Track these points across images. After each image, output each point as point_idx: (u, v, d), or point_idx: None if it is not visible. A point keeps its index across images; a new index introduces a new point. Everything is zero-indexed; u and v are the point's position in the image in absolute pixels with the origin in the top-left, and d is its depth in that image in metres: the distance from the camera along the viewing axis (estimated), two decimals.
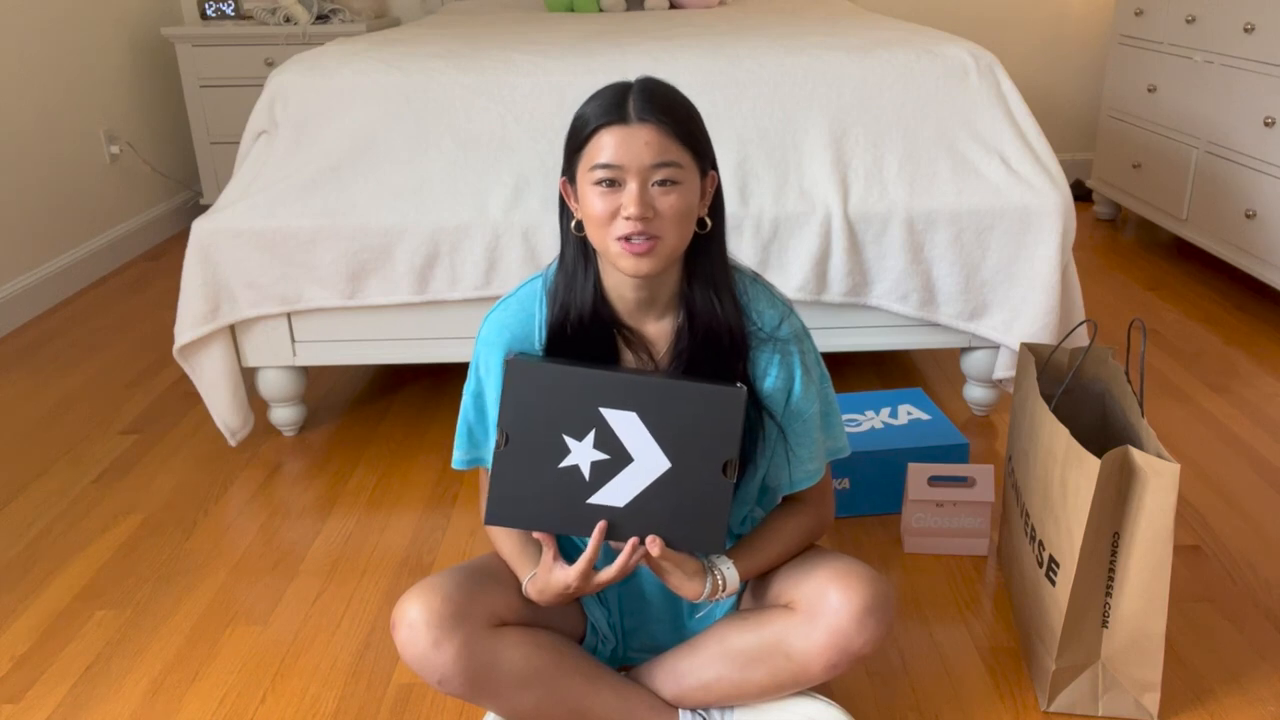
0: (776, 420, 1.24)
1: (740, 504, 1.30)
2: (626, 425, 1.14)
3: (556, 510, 1.15)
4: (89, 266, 3.32)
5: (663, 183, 1.11)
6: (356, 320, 2.08)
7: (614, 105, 1.12)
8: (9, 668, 1.54)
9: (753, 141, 2.04)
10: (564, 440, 1.14)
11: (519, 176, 2.02)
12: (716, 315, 1.20)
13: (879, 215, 2.00)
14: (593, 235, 1.15)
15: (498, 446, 1.14)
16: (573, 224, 1.19)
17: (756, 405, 1.23)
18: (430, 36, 2.59)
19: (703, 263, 1.20)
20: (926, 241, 2.00)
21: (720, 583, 1.20)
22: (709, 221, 1.19)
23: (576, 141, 1.14)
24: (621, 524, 1.14)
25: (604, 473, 1.14)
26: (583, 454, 1.14)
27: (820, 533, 1.33)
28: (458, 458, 1.30)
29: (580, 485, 1.14)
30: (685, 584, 1.19)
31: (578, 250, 1.20)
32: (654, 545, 1.15)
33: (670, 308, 1.22)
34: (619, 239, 1.12)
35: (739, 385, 1.14)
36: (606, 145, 1.11)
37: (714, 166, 1.19)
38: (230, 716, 1.43)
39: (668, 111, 1.12)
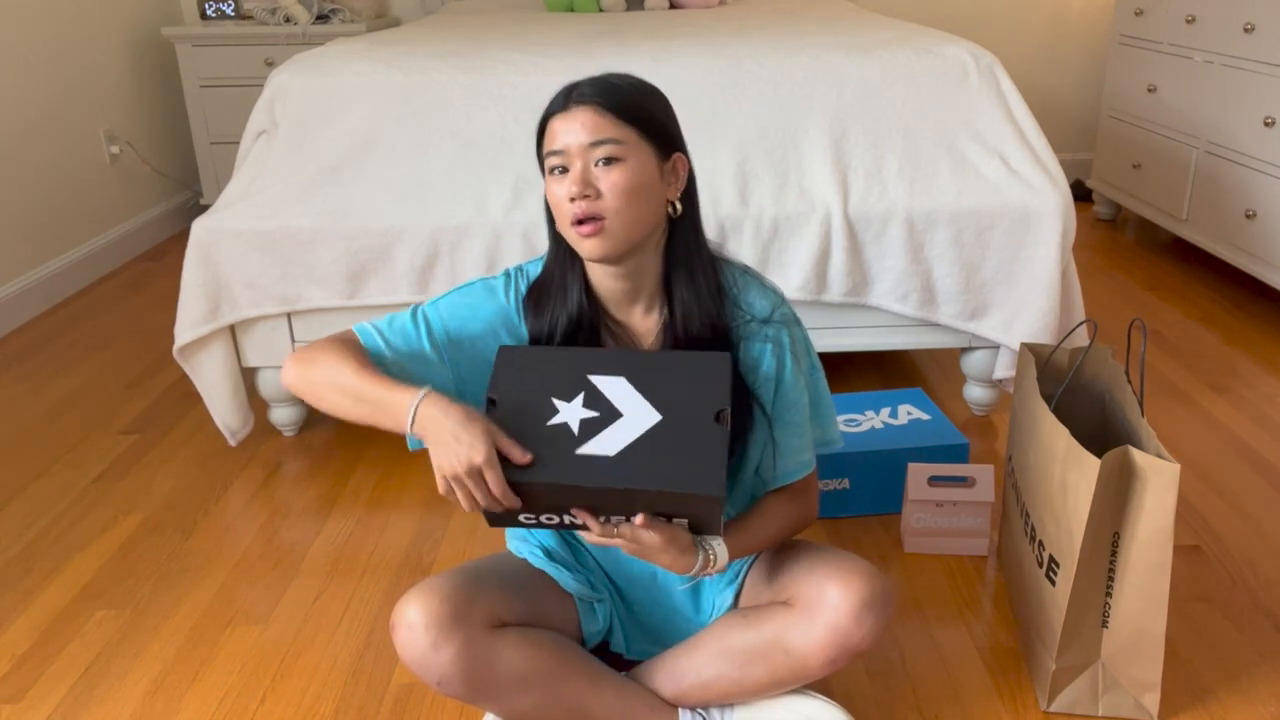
0: (766, 411, 1.24)
1: (737, 496, 1.30)
2: (615, 387, 1.13)
3: (545, 462, 1.09)
4: (89, 266, 3.32)
5: (607, 161, 1.14)
6: (356, 320, 2.08)
7: (561, 97, 1.17)
8: (9, 668, 1.54)
9: (753, 141, 2.04)
10: (552, 402, 1.12)
11: (519, 176, 2.01)
12: (698, 304, 1.20)
13: (879, 215, 2.00)
14: (559, 227, 1.19)
15: (485, 411, 1.12)
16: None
17: (747, 394, 1.23)
18: (430, 36, 2.59)
19: (679, 250, 1.21)
20: (926, 241, 2.00)
21: (711, 557, 1.18)
22: (679, 206, 1.20)
23: (537, 140, 1.20)
24: (614, 473, 1.08)
25: (593, 428, 1.11)
26: (571, 413, 1.12)
27: (804, 525, 1.33)
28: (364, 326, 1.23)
29: (569, 439, 1.10)
30: (678, 560, 1.15)
31: (563, 245, 1.23)
32: (641, 520, 1.11)
33: (655, 300, 1.23)
34: (572, 224, 1.15)
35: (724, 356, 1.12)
36: (553, 133, 1.16)
37: (679, 150, 1.21)
38: (230, 716, 1.43)
39: (607, 92, 1.15)
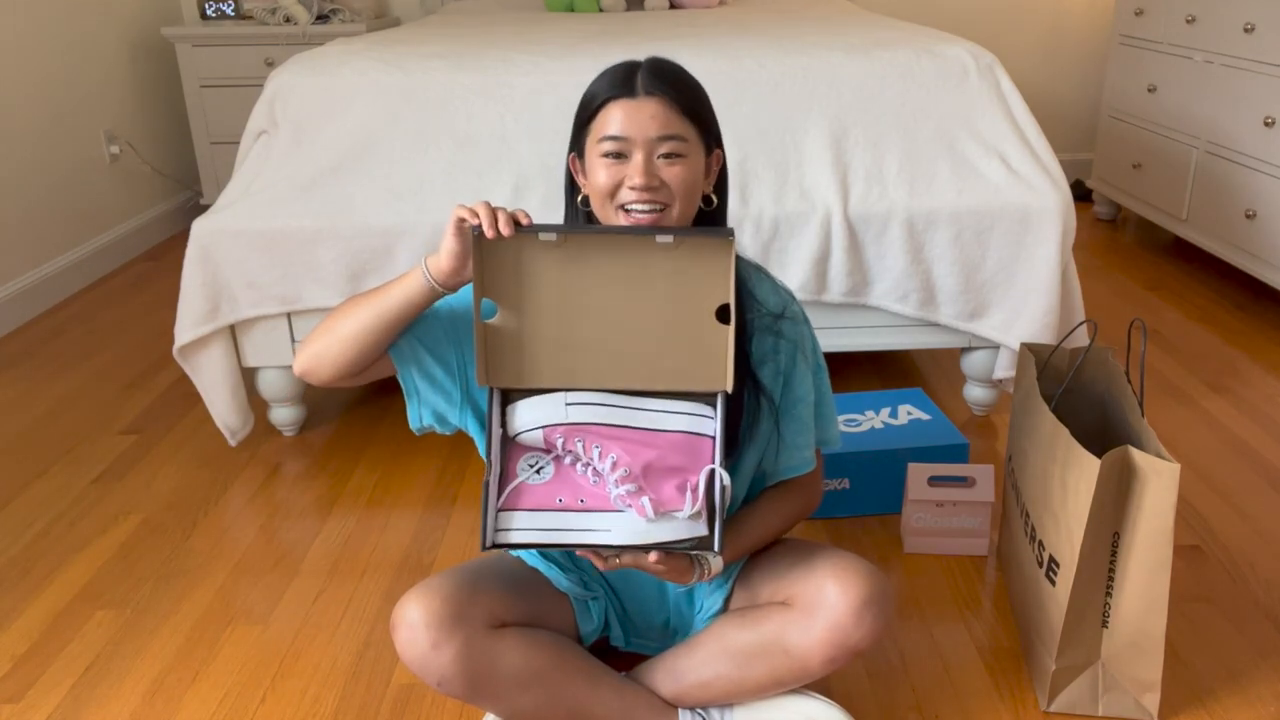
0: (775, 404, 1.25)
1: (738, 487, 1.31)
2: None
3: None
4: (89, 266, 3.32)
5: (668, 155, 1.15)
6: None
7: (623, 80, 1.16)
8: (9, 668, 1.54)
9: (753, 141, 2.04)
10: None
11: (519, 176, 2.01)
12: None
13: (879, 215, 2.00)
14: (597, 207, 1.19)
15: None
16: (579, 199, 1.23)
17: (756, 388, 1.23)
18: (430, 36, 2.59)
19: None
20: (926, 241, 2.00)
21: (706, 568, 1.21)
22: (714, 199, 1.23)
23: (585, 115, 1.19)
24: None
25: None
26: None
27: (805, 513, 1.35)
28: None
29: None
30: (678, 577, 1.19)
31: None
32: (650, 556, 1.13)
33: None
34: (621, 208, 1.16)
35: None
36: (614, 118, 1.15)
37: (719, 145, 1.23)
38: (230, 716, 1.43)
39: (675, 86, 1.16)
